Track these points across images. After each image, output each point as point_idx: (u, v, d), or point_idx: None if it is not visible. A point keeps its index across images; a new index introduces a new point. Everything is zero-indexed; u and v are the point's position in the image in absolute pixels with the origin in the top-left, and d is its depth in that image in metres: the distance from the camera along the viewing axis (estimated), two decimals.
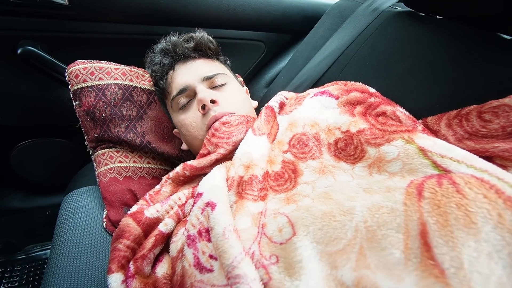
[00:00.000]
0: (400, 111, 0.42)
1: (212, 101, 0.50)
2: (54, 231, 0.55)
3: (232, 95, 0.54)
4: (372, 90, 0.47)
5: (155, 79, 0.58)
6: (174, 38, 0.57)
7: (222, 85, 0.55)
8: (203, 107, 0.50)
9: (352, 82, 0.49)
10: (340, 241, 0.26)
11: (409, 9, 0.57)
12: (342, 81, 0.51)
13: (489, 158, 0.32)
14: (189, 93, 0.54)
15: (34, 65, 0.61)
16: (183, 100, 0.54)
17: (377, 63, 0.56)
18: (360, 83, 0.48)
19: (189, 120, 0.53)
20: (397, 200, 0.26)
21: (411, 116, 0.42)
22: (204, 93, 0.50)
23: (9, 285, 0.74)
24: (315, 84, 0.66)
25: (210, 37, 0.59)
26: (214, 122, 0.49)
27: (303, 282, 0.25)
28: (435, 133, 0.40)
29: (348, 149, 0.39)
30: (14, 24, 0.60)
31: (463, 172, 0.27)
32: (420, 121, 0.42)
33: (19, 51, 0.60)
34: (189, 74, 0.54)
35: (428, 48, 0.50)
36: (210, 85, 0.54)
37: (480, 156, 0.30)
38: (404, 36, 0.54)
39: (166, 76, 0.57)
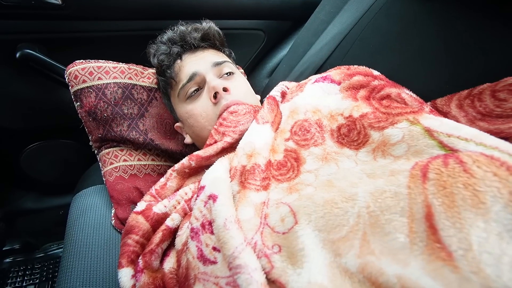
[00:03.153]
0: (406, 93, 0.40)
1: (224, 89, 0.50)
2: (66, 231, 0.56)
3: (241, 85, 0.55)
4: (376, 73, 0.45)
5: (162, 69, 0.57)
6: (182, 28, 0.57)
7: (230, 73, 0.55)
8: (215, 95, 0.50)
9: (355, 66, 0.48)
10: (342, 228, 0.25)
11: None
12: (344, 66, 0.49)
13: (504, 139, 0.31)
14: (198, 80, 0.53)
15: (33, 68, 0.61)
16: (192, 88, 0.53)
17: (382, 45, 0.54)
18: (364, 67, 0.47)
19: (199, 109, 0.52)
20: (401, 184, 0.25)
21: (417, 97, 0.40)
22: (216, 81, 0.51)
23: (31, 281, 0.78)
24: (318, 71, 0.64)
25: (217, 28, 0.59)
26: (225, 110, 0.49)
27: (305, 270, 0.24)
28: (445, 114, 0.38)
29: (351, 135, 0.38)
30: (11, 28, 0.60)
31: (472, 150, 0.25)
32: (429, 103, 0.40)
33: (18, 55, 0.60)
34: (198, 62, 0.54)
35: (436, 26, 0.47)
36: (219, 73, 0.54)
37: None
38: (410, 15, 0.52)
39: (173, 65, 0.56)
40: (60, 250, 0.86)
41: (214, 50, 0.59)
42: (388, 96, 0.40)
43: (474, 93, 0.36)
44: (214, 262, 0.30)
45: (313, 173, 0.37)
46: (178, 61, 0.56)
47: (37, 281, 0.79)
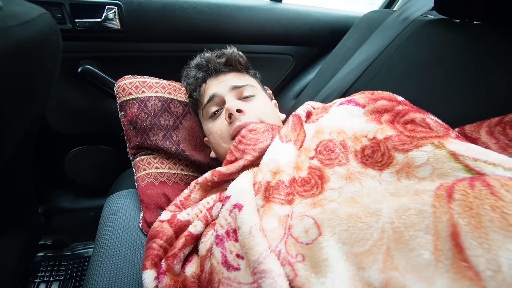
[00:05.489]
0: (431, 119, 0.41)
1: (239, 111, 0.53)
2: (98, 229, 0.60)
3: (259, 106, 0.57)
4: (400, 98, 0.46)
5: (190, 91, 0.64)
6: (207, 55, 0.62)
7: (250, 96, 0.58)
8: (230, 116, 0.53)
9: (379, 91, 0.49)
10: (366, 241, 0.26)
11: (442, 16, 0.56)
12: (369, 91, 0.51)
13: None
14: (218, 101, 0.57)
15: (90, 81, 0.70)
16: (213, 108, 0.58)
17: (408, 72, 0.55)
18: (388, 92, 0.48)
19: (216, 128, 0.56)
20: (425, 202, 0.25)
21: (443, 123, 0.40)
22: (231, 102, 0.54)
23: (57, 278, 0.81)
24: (344, 95, 0.66)
25: (240, 53, 0.63)
26: (238, 131, 0.51)
27: (329, 280, 0.25)
28: (474, 141, 0.38)
29: (375, 156, 0.39)
30: (77, 47, 0.70)
31: (500, 175, 0.25)
32: (456, 129, 0.40)
33: (79, 70, 0.69)
34: (219, 85, 0.59)
35: (466, 53, 0.47)
36: (238, 95, 0.58)
37: None
38: (439, 43, 0.53)
39: (199, 88, 0.62)
40: (86, 250, 0.89)
41: (236, 73, 0.62)
42: (412, 121, 0.41)
43: (506, 121, 0.35)
44: (237, 269, 0.31)
45: (337, 190, 0.37)
46: (203, 84, 0.61)
47: (62, 278, 0.82)
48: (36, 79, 0.32)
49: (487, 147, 0.35)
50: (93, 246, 0.87)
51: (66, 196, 0.97)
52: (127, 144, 0.65)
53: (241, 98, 0.58)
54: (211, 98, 0.57)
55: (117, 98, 0.64)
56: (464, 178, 0.26)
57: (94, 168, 0.92)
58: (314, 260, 0.27)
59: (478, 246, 0.21)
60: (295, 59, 0.91)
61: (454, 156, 0.30)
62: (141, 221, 0.59)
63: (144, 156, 0.65)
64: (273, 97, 0.82)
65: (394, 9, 0.96)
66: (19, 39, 0.25)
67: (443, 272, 0.22)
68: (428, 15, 0.63)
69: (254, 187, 0.41)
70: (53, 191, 0.96)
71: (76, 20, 0.64)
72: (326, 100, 0.69)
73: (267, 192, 0.39)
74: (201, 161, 0.67)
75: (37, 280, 0.80)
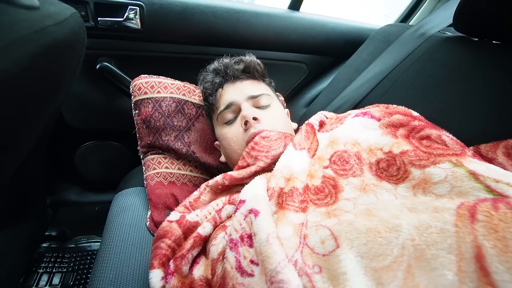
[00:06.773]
0: (447, 136, 0.41)
1: (255, 118, 0.53)
2: (105, 225, 0.60)
3: (273, 115, 0.57)
4: (415, 113, 0.46)
5: (205, 95, 0.64)
6: (226, 60, 0.63)
7: (266, 106, 0.59)
8: (246, 123, 0.54)
9: (394, 105, 0.49)
10: (386, 257, 0.26)
11: (460, 34, 0.56)
12: (383, 104, 0.51)
13: None
14: (235, 109, 0.58)
15: (107, 78, 0.71)
16: (229, 115, 0.58)
17: (423, 88, 0.55)
18: (403, 107, 0.48)
19: (231, 134, 0.57)
20: (447, 221, 0.25)
21: (459, 141, 0.40)
22: (248, 110, 0.54)
23: (59, 270, 0.81)
24: (356, 106, 0.66)
25: (258, 61, 0.64)
26: (253, 137, 0.52)
27: None
28: (490, 161, 0.37)
29: (391, 170, 0.38)
30: (97, 45, 0.71)
31: None
32: (471, 148, 0.40)
33: (97, 67, 0.71)
34: (236, 92, 0.59)
35: (484, 73, 0.47)
36: (254, 104, 0.58)
37: None
38: (455, 61, 0.53)
39: (215, 93, 0.62)
40: (89, 244, 0.89)
41: (253, 81, 0.62)
42: (428, 137, 0.41)
43: None
44: (251, 275, 0.31)
45: (351, 201, 0.37)
46: (220, 89, 0.62)
47: (65, 270, 0.82)
48: (64, 76, 0.33)
49: (503, 168, 0.35)
50: (96, 240, 0.88)
51: (73, 189, 0.97)
52: (139, 142, 0.66)
53: (257, 107, 0.58)
54: (228, 106, 0.58)
55: (132, 97, 0.64)
56: (485, 198, 0.26)
57: (103, 164, 0.93)
58: (331, 273, 0.27)
59: (505, 271, 0.21)
60: (308, 68, 0.91)
61: (474, 175, 0.30)
62: (148, 220, 0.59)
63: (154, 155, 0.65)
64: (285, 104, 0.82)
65: (410, 23, 0.97)
66: (54, 39, 0.25)
67: None
68: (446, 32, 0.64)
69: (267, 193, 0.41)
70: (60, 183, 0.96)
71: (99, 19, 0.66)
72: (338, 110, 0.69)
73: (280, 198, 0.39)
74: (210, 164, 0.67)
75: (40, 271, 0.80)
